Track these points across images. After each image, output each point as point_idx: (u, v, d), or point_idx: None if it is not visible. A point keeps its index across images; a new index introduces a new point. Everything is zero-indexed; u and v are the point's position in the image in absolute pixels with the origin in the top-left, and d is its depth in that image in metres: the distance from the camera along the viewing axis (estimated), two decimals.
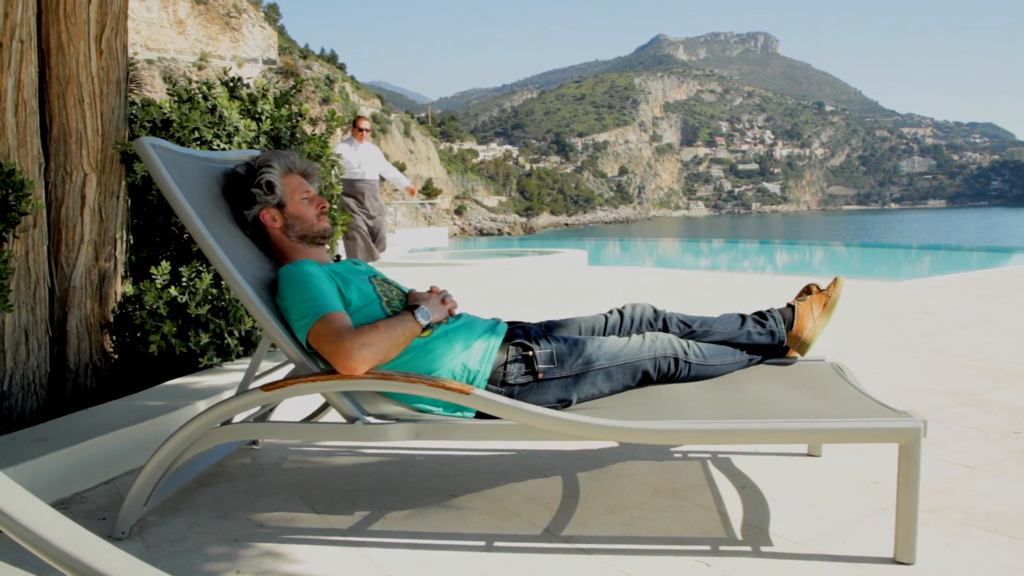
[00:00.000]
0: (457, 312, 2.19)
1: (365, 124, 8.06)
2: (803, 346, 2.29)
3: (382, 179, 8.52)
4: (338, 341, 1.84)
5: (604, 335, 2.28)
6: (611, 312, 2.36)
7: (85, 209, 3.04)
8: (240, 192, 2.16)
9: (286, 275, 2.00)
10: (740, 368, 2.28)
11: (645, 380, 2.13)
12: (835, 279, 2.36)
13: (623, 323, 2.32)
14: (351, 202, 7.93)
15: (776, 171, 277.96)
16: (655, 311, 2.35)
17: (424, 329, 2.01)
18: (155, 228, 3.46)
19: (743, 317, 2.32)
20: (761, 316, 2.32)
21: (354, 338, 1.85)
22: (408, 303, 2.13)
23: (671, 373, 2.15)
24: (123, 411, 2.63)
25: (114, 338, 3.24)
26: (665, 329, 2.30)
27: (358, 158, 7.88)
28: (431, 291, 2.17)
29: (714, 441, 1.80)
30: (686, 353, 2.17)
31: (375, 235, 8.17)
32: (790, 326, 2.30)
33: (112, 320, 3.21)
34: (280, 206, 2.17)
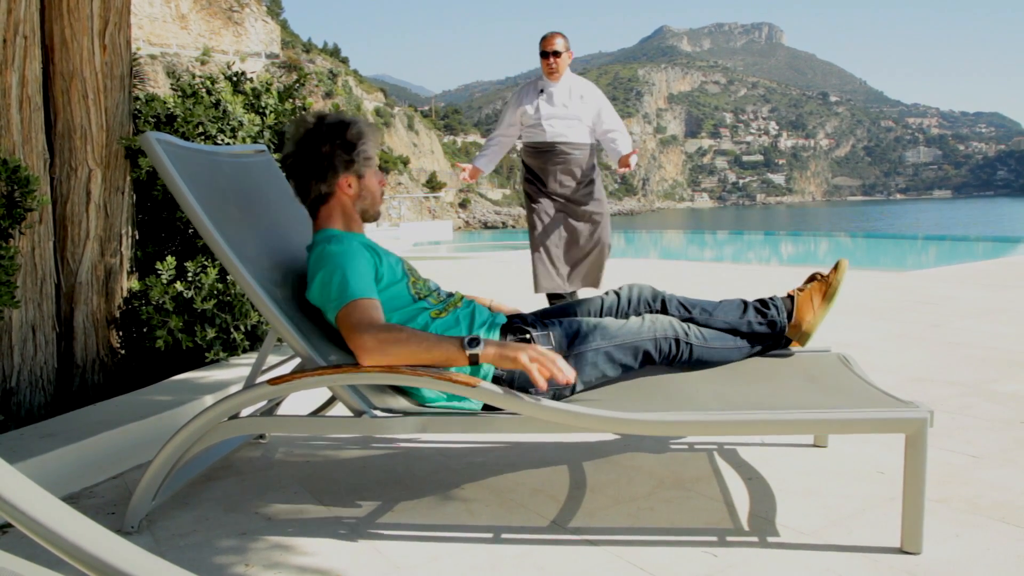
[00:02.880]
0: (462, 298, 2.19)
1: (557, 44, 4.28)
2: (804, 336, 2.28)
3: (588, 148, 4.39)
4: (362, 333, 1.82)
5: (601, 316, 2.28)
6: (607, 293, 2.35)
7: (90, 205, 3.05)
8: (336, 152, 2.06)
9: (330, 249, 1.96)
10: (742, 356, 2.27)
11: (647, 361, 2.12)
12: (837, 263, 2.33)
13: (620, 304, 2.31)
14: (531, 188, 4.41)
15: (781, 162, 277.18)
16: (654, 291, 2.34)
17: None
18: (160, 223, 3.46)
19: (745, 305, 2.30)
20: (763, 305, 2.30)
21: (379, 334, 1.82)
22: (471, 335, 1.91)
23: (672, 354, 2.14)
24: (130, 406, 2.64)
25: (120, 333, 3.25)
26: (664, 310, 2.29)
27: (536, 103, 4.34)
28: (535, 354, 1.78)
29: (721, 432, 1.80)
30: (687, 335, 2.16)
31: (582, 250, 4.36)
32: (790, 316, 2.29)
33: (118, 316, 3.22)
34: (360, 176, 2.13)
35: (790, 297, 2.32)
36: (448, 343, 1.80)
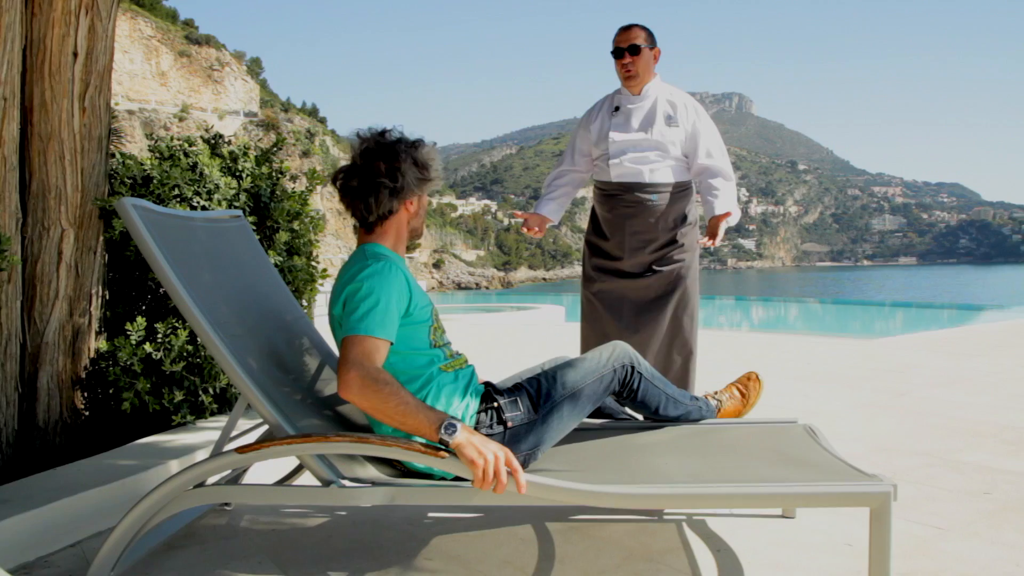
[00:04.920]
0: (466, 361, 2.23)
1: (635, 36, 3.06)
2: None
3: (677, 189, 3.13)
4: (354, 369, 1.85)
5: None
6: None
7: (61, 265, 3.03)
8: (412, 170, 2.10)
9: (377, 268, 1.98)
10: (677, 413, 2.38)
11: (608, 392, 2.22)
12: (752, 382, 2.59)
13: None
14: (586, 255, 3.33)
15: (751, 228, 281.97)
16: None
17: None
18: (131, 282, 3.44)
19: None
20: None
21: (368, 376, 1.84)
22: (449, 416, 1.82)
23: (626, 382, 2.24)
24: (92, 471, 2.59)
25: (86, 395, 3.20)
26: None
27: (602, 129, 3.17)
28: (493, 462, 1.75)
29: (689, 505, 1.81)
30: (639, 364, 2.27)
31: (650, 356, 3.08)
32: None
33: (84, 376, 3.17)
34: (420, 196, 2.18)
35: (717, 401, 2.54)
36: (426, 417, 1.81)
